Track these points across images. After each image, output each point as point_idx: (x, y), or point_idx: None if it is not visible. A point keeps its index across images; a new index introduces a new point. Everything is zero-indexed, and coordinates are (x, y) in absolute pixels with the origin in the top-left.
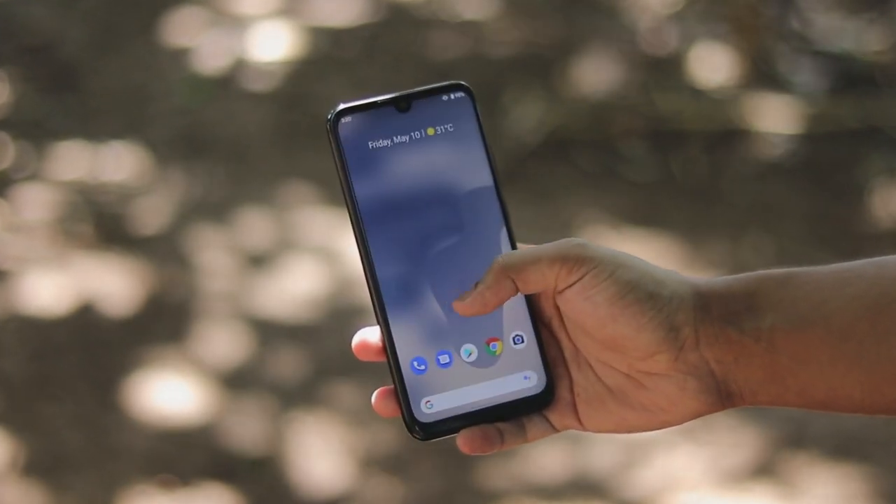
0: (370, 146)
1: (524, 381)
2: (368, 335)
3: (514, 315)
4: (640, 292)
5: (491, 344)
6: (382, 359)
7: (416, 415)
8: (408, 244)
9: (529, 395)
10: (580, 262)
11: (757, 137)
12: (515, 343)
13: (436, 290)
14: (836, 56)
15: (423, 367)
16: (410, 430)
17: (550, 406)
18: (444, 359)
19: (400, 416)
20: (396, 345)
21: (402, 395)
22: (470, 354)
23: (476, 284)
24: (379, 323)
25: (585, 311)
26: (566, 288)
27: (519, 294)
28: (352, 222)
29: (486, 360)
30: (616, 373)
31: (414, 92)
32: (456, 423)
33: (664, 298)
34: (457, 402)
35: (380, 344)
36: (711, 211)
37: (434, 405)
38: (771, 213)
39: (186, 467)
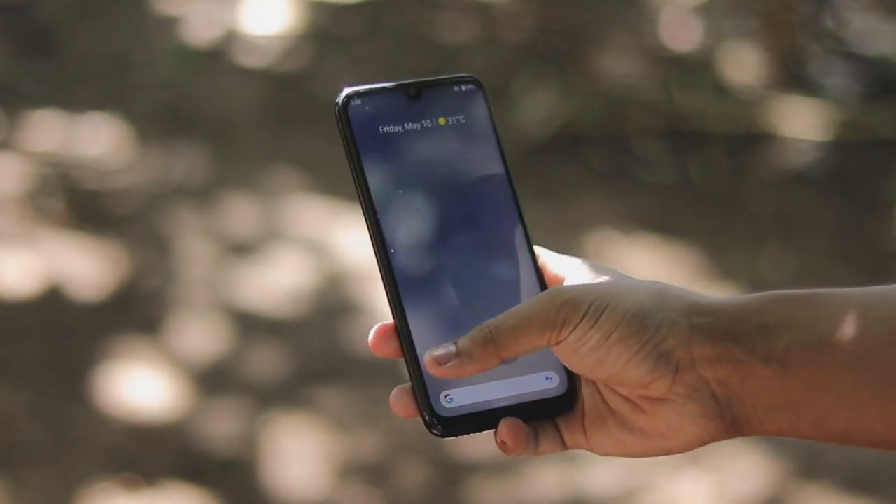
0: (381, 131)
1: (546, 381)
2: (387, 329)
3: None
4: (625, 330)
5: None
6: (399, 355)
7: (435, 409)
8: (421, 233)
9: (552, 396)
10: (567, 324)
11: (783, 143)
12: None
13: (452, 281)
14: (872, 60)
15: None
16: (430, 425)
17: (567, 416)
18: None
19: (418, 412)
20: (413, 336)
21: (419, 389)
22: None
23: (457, 343)
24: (394, 314)
25: (572, 361)
26: (555, 345)
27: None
28: (363, 209)
29: None
30: (617, 395)
31: (424, 80)
32: (476, 421)
33: (650, 330)
34: (477, 397)
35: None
36: (730, 219)
37: (454, 399)
38: (794, 225)
39: (152, 466)
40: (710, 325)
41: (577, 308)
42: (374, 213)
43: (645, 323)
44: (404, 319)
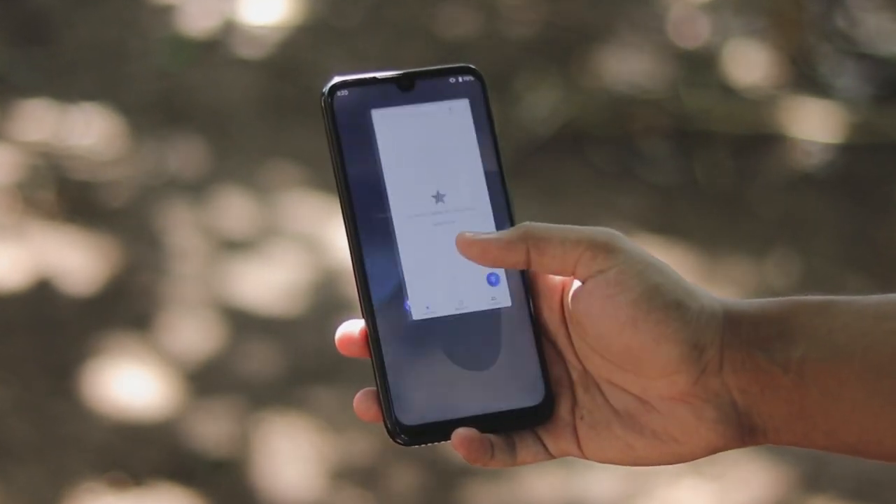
0: (366, 126)
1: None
2: (354, 328)
3: (515, 321)
4: (668, 297)
5: None
6: (367, 355)
7: (398, 417)
8: (402, 235)
9: (525, 406)
10: (608, 251)
11: (791, 144)
12: None
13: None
14: (884, 60)
15: None
16: (392, 434)
17: (547, 424)
18: None
19: (381, 418)
20: (381, 339)
21: (384, 395)
22: None
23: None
24: (364, 316)
25: (605, 311)
26: (587, 278)
27: (522, 300)
28: (342, 206)
29: None
30: (627, 395)
31: (419, 71)
32: (442, 430)
33: (693, 311)
34: (444, 407)
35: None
36: (735, 222)
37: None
38: (801, 229)
39: (140, 465)
40: (737, 329)
41: (623, 246)
42: (351, 209)
43: (688, 302)
44: (374, 325)
